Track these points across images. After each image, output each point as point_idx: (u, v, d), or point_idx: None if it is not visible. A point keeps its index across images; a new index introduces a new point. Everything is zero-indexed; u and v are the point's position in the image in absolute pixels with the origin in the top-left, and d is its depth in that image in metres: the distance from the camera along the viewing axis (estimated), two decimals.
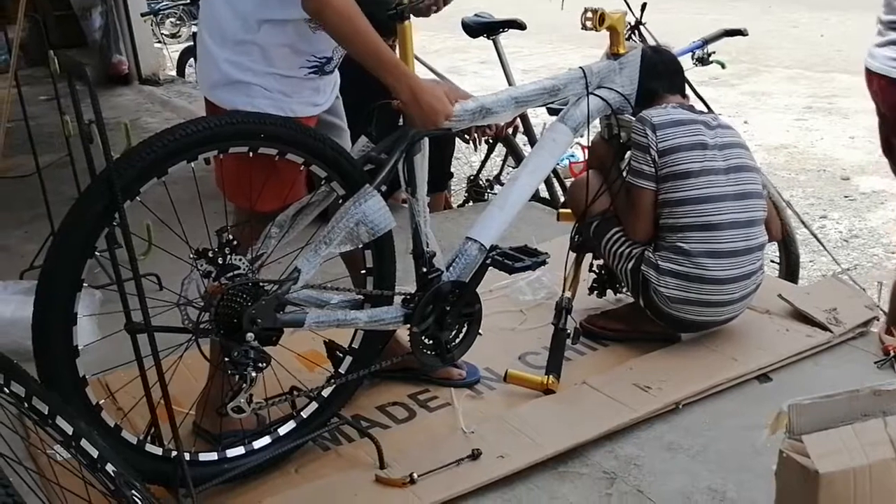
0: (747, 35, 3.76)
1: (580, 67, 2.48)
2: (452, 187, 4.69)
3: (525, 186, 2.45)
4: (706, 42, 3.72)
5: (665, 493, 2.04)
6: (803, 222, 3.68)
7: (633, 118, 2.58)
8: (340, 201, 2.08)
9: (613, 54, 2.54)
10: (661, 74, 2.67)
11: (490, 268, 2.32)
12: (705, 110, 2.95)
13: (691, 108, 2.67)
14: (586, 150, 4.21)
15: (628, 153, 2.64)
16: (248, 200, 2.02)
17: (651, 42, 3.45)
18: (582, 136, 2.56)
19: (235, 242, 1.88)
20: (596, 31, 2.46)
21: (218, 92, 2.05)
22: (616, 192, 2.65)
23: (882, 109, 2.67)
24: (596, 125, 2.65)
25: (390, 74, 1.99)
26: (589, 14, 2.45)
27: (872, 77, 2.64)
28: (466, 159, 4.99)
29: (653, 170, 2.53)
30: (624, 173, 2.64)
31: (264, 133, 1.91)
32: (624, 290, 2.85)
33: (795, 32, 12.20)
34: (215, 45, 2.02)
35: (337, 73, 2.23)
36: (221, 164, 1.98)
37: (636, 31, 3.53)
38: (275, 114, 2.00)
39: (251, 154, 1.92)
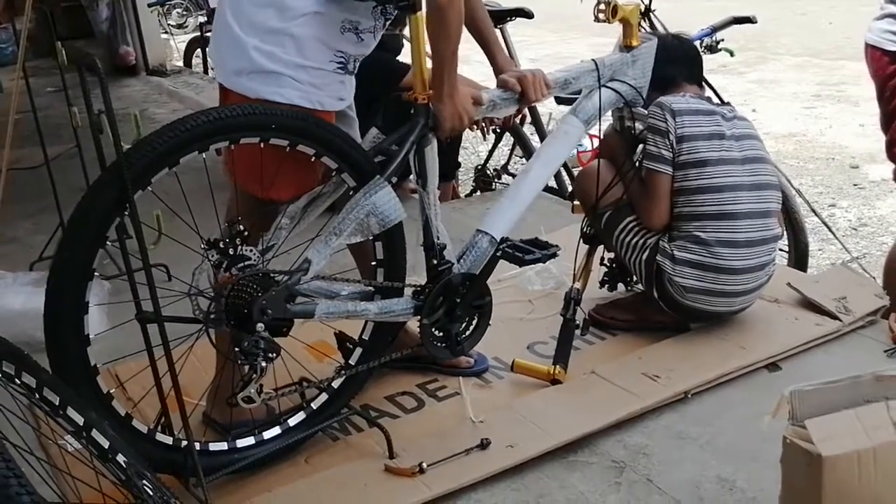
0: (756, 22, 3.74)
1: (592, 60, 2.47)
2: (460, 177, 4.68)
3: (537, 179, 2.45)
4: (715, 30, 3.69)
5: (674, 483, 2.04)
6: (814, 210, 3.66)
7: (648, 107, 2.58)
8: (351, 192, 2.08)
9: (626, 46, 2.53)
10: (681, 62, 2.68)
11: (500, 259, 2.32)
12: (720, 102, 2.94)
13: (708, 100, 2.67)
14: (594, 139, 4.22)
15: (640, 146, 2.63)
16: (262, 188, 2.01)
17: (660, 30, 3.44)
18: (593, 128, 2.56)
19: (246, 233, 1.88)
20: (609, 22, 2.45)
21: (242, 80, 2.00)
22: (628, 183, 2.64)
23: (873, 80, 2.71)
24: (608, 117, 2.64)
25: (448, 79, 2.09)
26: (602, 6, 2.44)
27: (868, 49, 2.70)
28: (474, 149, 4.98)
29: (671, 154, 2.52)
30: (636, 164, 2.64)
31: (276, 124, 1.90)
32: (635, 284, 2.84)
33: (803, 20, 12.13)
34: (242, 31, 1.97)
35: None
36: (234, 153, 1.96)
37: (645, 19, 3.52)
38: (302, 105, 1.99)
39: (262, 145, 1.92)
